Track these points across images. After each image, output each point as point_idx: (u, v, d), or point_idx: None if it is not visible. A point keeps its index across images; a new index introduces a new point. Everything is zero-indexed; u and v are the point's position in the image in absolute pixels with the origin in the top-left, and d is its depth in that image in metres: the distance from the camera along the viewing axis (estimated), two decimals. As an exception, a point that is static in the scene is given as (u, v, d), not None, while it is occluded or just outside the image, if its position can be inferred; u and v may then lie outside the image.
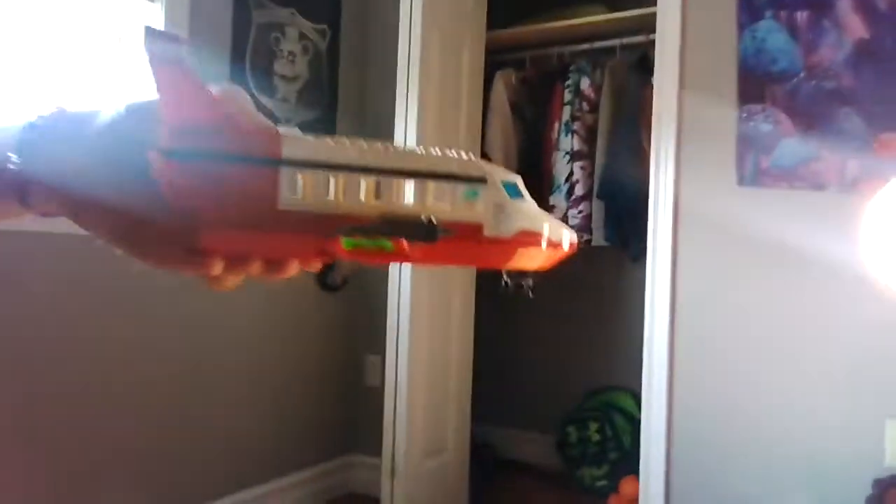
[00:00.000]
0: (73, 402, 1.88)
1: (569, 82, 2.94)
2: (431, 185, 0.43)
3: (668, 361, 2.28)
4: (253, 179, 0.39)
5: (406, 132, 2.45)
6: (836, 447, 2.05)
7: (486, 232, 0.44)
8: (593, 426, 2.96)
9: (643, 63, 2.78)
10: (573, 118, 2.89)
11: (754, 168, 2.20)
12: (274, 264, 0.43)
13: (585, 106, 2.90)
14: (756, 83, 2.18)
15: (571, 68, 2.96)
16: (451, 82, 2.64)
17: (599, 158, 2.85)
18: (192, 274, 0.40)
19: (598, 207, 2.86)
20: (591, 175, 2.88)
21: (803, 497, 2.09)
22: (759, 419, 2.16)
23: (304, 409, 2.66)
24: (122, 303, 2.00)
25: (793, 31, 2.13)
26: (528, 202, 0.46)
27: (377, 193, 0.42)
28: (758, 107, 2.18)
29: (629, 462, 2.89)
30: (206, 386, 2.27)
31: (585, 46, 2.95)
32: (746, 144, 2.19)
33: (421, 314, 2.46)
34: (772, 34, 2.15)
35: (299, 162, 0.40)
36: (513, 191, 0.46)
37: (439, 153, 0.45)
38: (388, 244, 0.41)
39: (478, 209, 0.44)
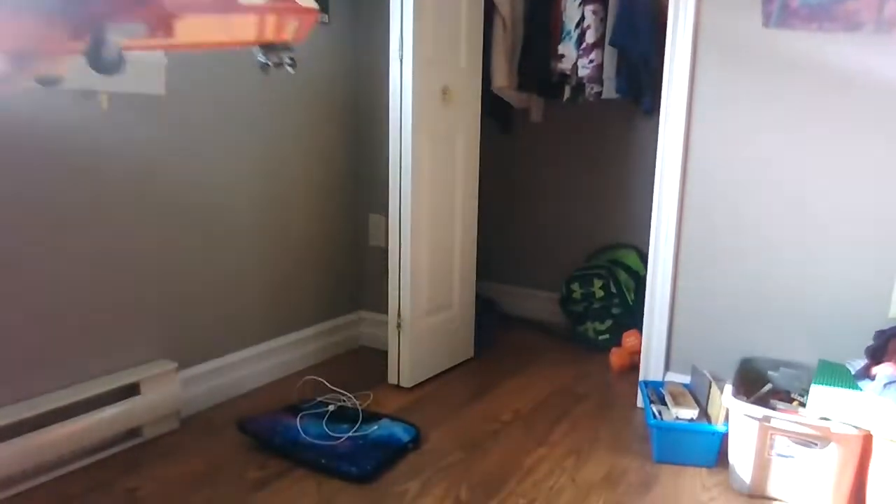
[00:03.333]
0: (94, 261, 1.85)
1: (582, -85, 2.67)
2: None
3: (678, 216, 2.24)
4: None
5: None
6: (841, 297, 2.04)
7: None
8: (597, 283, 2.96)
9: None
10: (586, -44, 2.66)
11: (782, 7, 2.03)
12: None
13: (600, -58, 2.66)
14: None
15: None
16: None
17: (613, 1, 2.64)
18: None
19: (610, 56, 2.69)
20: (603, 20, 2.69)
21: (803, 343, 2.11)
22: (764, 269, 2.14)
23: (313, 268, 2.66)
24: (134, 163, 1.93)
25: None
26: None
27: None
28: (791, -64, 1.97)
29: (632, 317, 2.93)
30: (217, 249, 2.24)
31: None
32: (775, -19, 2.01)
33: (422, 172, 2.38)
34: None
35: None
36: None
37: None
38: None
39: None
